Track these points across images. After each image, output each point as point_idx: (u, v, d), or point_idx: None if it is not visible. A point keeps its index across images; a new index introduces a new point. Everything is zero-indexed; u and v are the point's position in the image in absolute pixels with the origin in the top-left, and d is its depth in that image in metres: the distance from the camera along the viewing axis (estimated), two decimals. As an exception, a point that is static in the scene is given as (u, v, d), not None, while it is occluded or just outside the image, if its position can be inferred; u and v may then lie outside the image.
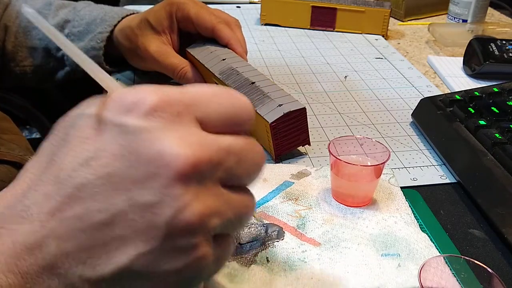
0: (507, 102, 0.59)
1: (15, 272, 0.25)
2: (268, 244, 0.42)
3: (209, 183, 0.26)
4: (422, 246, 0.42)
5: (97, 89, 0.77)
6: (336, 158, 0.46)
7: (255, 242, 0.43)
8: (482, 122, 0.55)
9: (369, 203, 0.48)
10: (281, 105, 0.53)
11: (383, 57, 0.84)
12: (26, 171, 0.28)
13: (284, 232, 0.44)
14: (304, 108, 0.54)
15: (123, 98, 0.26)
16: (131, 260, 0.25)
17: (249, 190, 0.29)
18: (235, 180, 0.28)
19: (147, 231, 0.25)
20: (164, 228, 0.25)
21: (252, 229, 0.44)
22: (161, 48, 0.65)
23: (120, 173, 0.25)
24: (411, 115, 0.65)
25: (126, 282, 0.26)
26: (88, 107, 0.27)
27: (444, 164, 0.55)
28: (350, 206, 0.47)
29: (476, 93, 0.62)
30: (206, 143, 0.26)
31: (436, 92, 0.72)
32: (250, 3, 1.09)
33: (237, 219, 0.28)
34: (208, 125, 0.27)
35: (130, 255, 0.25)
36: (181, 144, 0.25)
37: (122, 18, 0.69)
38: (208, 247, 0.27)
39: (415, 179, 0.53)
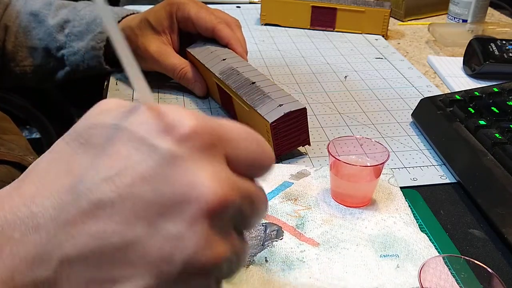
0: (507, 102, 0.59)
1: (9, 285, 0.24)
2: (267, 243, 0.42)
3: (228, 226, 0.25)
4: (421, 247, 0.42)
5: (97, 90, 0.77)
6: (336, 158, 0.46)
7: (254, 242, 0.42)
8: (482, 122, 0.55)
9: (368, 203, 0.48)
10: (282, 105, 0.53)
11: (383, 57, 0.84)
12: (36, 171, 0.26)
13: (283, 232, 0.44)
14: (305, 108, 0.54)
15: (161, 117, 0.24)
16: None
17: (245, 237, 0.28)
18: (243, 226, 0.27)
19: (161, 265, 0.23)
20: (180, 265, 0.23)
21: (252, 229, 0.44)
22: (161, 48, 0.65)
23: (144, 197, 0.23)
24: (411, 115, 0.64)
25: None
26: (123, 119, 0.25)
27: (444, 164, 0.55)
28: (349, 207, 0.47)
29: (476, 93, 0.62)
30: (234, 183, 0.25)
31: (436, 92, 0.72)
32: (250, 3, 1.09)
33: (236, 265, 0.26)
34: (234, 164, 0.26)
35: (135, 286, 0.23)
36: (214, 178, 0.23)
37: (122, 18, 0.69)
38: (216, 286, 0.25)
39: (415, 179, 0.53)
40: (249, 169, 0.26)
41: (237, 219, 0.25)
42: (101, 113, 0.25)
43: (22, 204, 0.24)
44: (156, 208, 0.23)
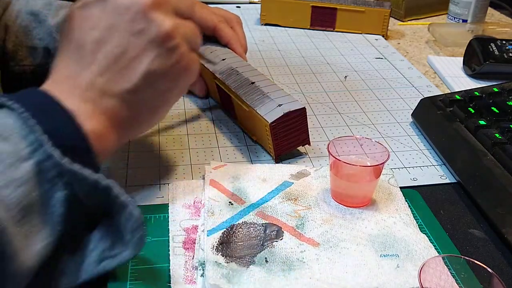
0: (507, 102, 0.59)
1: (86, 101, 0.40)
2: (267, 244, 0.42)
3: (168, 12, 0.43)
4: (421, 247, 0.42)
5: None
6: (336, 158, 0.46)
7: (253, 242, 0.42)
8: (482, 122, 0.55)
9: (368, 203, 0.48)
10: (281, 105, 0.53)
11: (383, 57, 0.84)
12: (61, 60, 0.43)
13: (283, 232, 0.44)
14: (304, 108, 0.54)
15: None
16: (148, 65, 0.42)
17: (194, 22, 0.47)
18: (181, 13, 0.45)
19: (148, 46, 0.42)
20: (156, 40, 0.42)
21: (252, 229, 0.44)
22: None
23: (116, 22, 0.41)
24: (411, 115, 0.64)
25: (153, 83, 0.43)
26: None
27: (444, 164, 0.55)
28: (349, 207, 0.47)
29: (476, 93, 0.62)
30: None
31: (436, 92, 0.72)
32: (250, 3, 1.09)
33: (191, 34, 0.46)
34: (178, 14, 0.45)
35: (146, 63, 0.42)
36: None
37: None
38: (186, 47, 0.44)
39: (415, 179, 0.53)
40: (185, 14, 0.46)
41: (173, 9, 0.44)
42: None
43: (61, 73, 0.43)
44: (126, 23, 0.41)
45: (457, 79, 0.76)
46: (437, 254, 0.42)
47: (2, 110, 0.38)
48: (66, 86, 0.41)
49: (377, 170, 0.46)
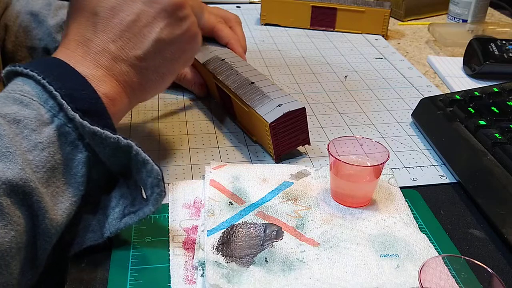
0: (507, 102, 0.59)
1: (99, 66, 0.42)
2: (267, 244, 0.42)
3: None
4: (421, 247, 0.42)
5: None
6: (336, 158, 0.46)
7: (253, 242, 0.42)
8: (482, 122, 0.55)
9: (368, 203, 0.47)
10: (281, 105, 0.53)
11: (383, 57, 0.84)
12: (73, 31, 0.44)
13: (283, 232, 0.44)
14: (304, 108, 0.54)
15: None
16: (159, 33, 0.44)
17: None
18: None
19: (159, 14, 0.44)
20: (167, 9, 0.44)
21: (252, 229, 0.44)
22: None
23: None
24: (411, 115, 0.64)
25: (162, 51, 0.45)
26: None
27: (444, 164, 0.55)
28: (349, 207, 0.47)
29: (476, 93, 0.62)
30: None
31: (436, 92, 0.72)
32: (250, 3, 1.09)
33: (198, 9, 0.49)
34: None
35: (157, 31, 0.44)
36: None
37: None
38: (194, 19, 0.47)
39: (415, 179, 0.53)
40: None
41: None
42: None
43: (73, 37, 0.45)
44: None
45: (457, 79, 0.76)
46: (437, 254, 0.42)
47: (18, 78, 0.40)
48: (79, 52, 0.43)
49: (377, 170, 0.46)
